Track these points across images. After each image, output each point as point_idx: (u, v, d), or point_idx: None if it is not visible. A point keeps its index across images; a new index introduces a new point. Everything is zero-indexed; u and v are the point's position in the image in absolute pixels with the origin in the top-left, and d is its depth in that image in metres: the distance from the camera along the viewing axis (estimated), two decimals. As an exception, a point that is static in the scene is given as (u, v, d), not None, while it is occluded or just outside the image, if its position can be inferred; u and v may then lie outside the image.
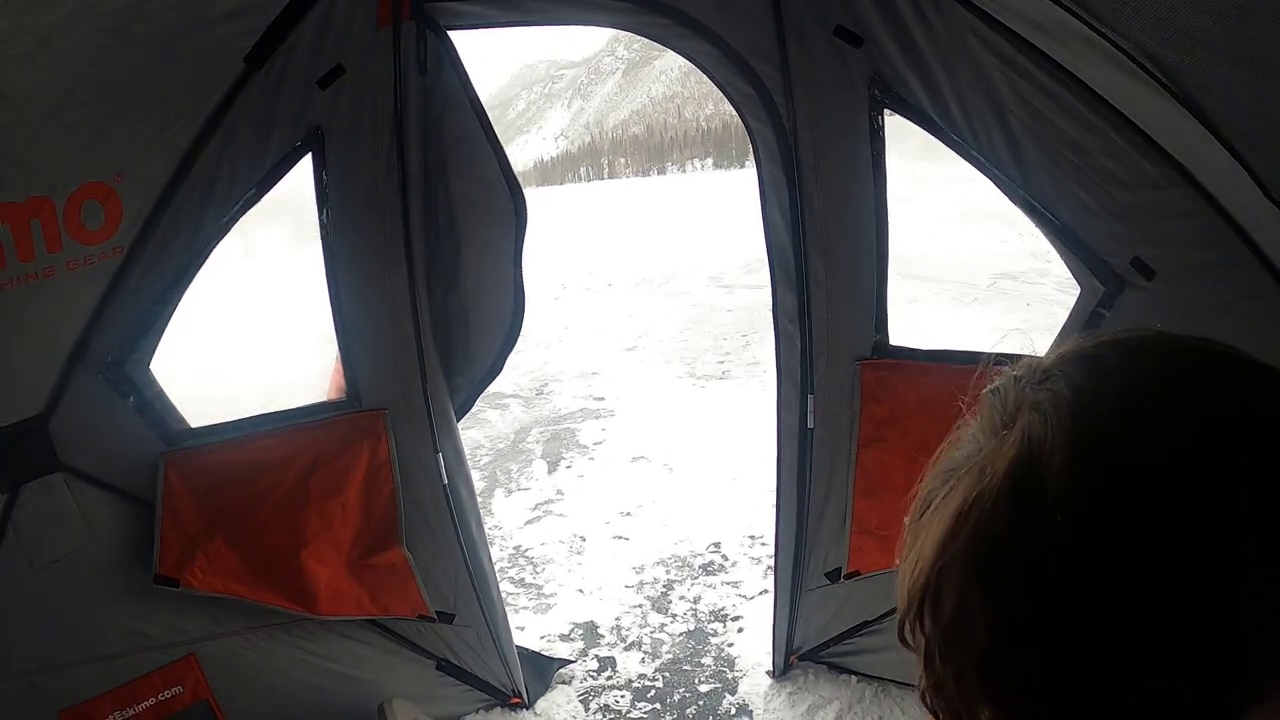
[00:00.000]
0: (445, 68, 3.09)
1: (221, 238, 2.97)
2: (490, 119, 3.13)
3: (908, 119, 3.04)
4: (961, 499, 0.68)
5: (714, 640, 4.57)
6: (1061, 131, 2.81)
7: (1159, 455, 0.63)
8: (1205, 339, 0.72)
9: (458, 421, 3.55)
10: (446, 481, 3.46)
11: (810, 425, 3.46)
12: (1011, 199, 2.99)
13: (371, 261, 3.19)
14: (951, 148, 3.01)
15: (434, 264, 3.30)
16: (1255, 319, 2.64)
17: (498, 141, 3.18)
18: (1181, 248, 2.78)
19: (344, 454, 3.27)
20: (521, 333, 3.42)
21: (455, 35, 3.12)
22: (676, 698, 4.13)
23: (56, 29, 2.23)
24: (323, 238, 3.14)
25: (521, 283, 3.33)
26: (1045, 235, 3.01)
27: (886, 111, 3.09)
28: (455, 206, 3.25)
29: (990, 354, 0.80)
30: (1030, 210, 2.95)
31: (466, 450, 7.79)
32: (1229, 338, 2.24)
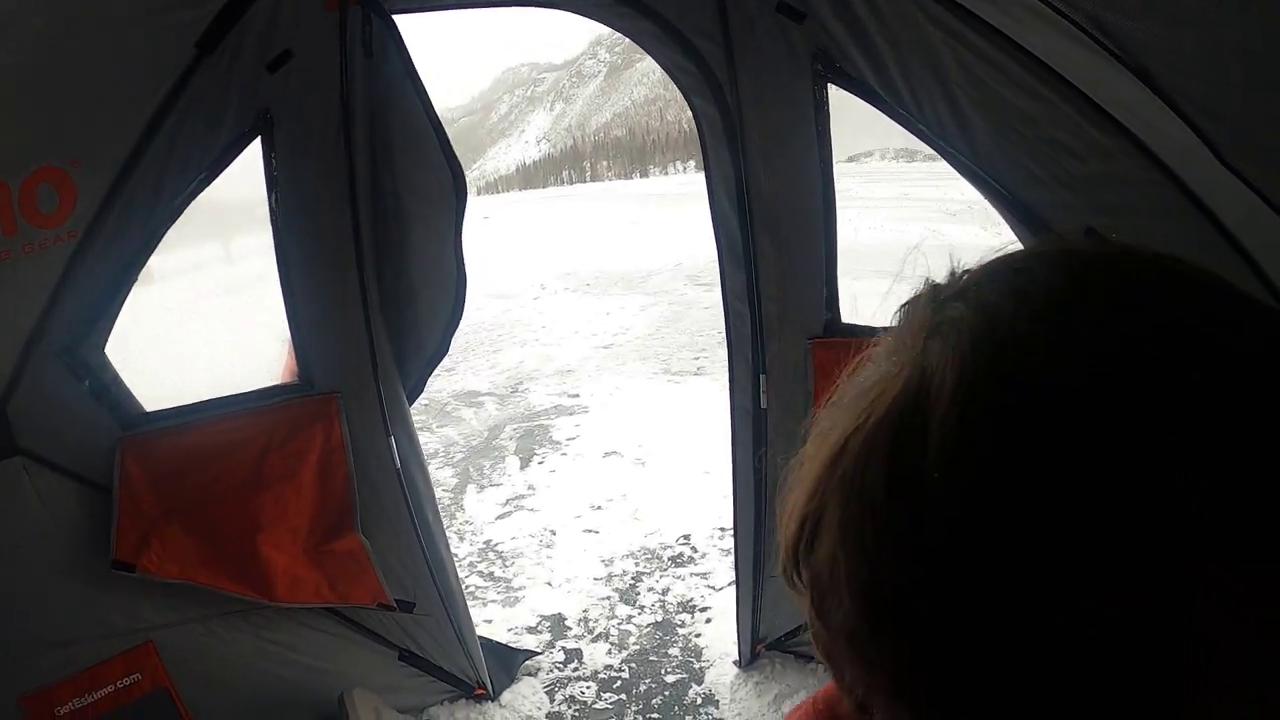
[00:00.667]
0: (390, 51, 3.17)
1: (174, 221, 3.04)
2: (453, 115, 3.23)
3: (851, 93, 3.12)
4: (839, 438, 0.57)
5: (681, 631, 4.65)
6: (1008, 102, 2.87)
7: (1083, 370, 0.48)
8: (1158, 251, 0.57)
9: (410, 405, 3.62)
10: (399, 465, 3.51)
11: (764, 405, 3.52)
12: (959, 170, 3.07)
13: (321, 245, 3.26)
14: (897, 121, 3.08)
15: (381, 247, 3.38)
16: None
17: (439, 123, 3.27)
18: (1136, 218, 2.79)
19: (297, 437, 3.33)
20: (464, 312, 3.48)
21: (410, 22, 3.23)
22: (643, 688, 4.20)
23: (11, 17, 2.32)
24: (272, 222, 3.22)
25: (463, 261, 3.41)
26: (995, 207, 3.07)
27: (833, 88, 3.15)
28: (400, 189, 3.33)
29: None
30: (978, 181, 3.03)
31: (441, 447, 7.88)
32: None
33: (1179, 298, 0.53)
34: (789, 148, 3.23)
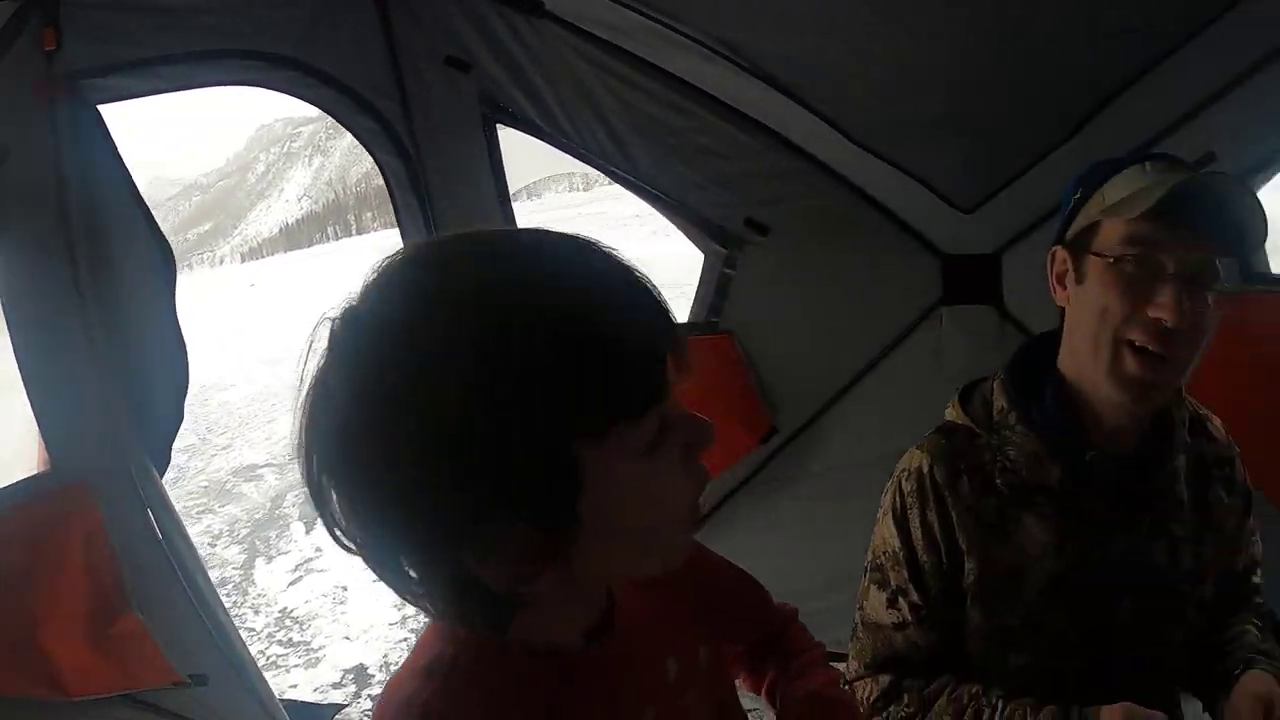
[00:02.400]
0: (97, 140, 3.34)
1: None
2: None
3: (519, 130, 3.48)
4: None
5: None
6: (657, 120, 3.27)
7: (389, 314, 0.79)
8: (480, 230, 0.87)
9: (161, 477, 3.68)
10: (161, 537, 3.58)
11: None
12: (627, 188, 3.49)
13: (50, 331, 3.35)
14: (564, 150, 3.47)
15: (108, 325, 3.47)
16: (869, 246, 3.22)
17: (144, 202, 3.48)
18: (789, 202, 3.26)
19: (57, 528, 3.36)
20: (189, 376, 3.66)
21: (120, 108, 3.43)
22: None
23: None
24: (5, 317, 3.29)
25: (179, 328, 3.59)
26: (663, 213, 3.50)
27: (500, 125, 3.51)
28: (117, 266, 3.46)
29: None
30: (644, 194, 3.44)
31: (225, 527, 7.87)
32: (850, 266, 3.00)
33: (439, 266, 0.83)
34: (468, 184, 3.57)
